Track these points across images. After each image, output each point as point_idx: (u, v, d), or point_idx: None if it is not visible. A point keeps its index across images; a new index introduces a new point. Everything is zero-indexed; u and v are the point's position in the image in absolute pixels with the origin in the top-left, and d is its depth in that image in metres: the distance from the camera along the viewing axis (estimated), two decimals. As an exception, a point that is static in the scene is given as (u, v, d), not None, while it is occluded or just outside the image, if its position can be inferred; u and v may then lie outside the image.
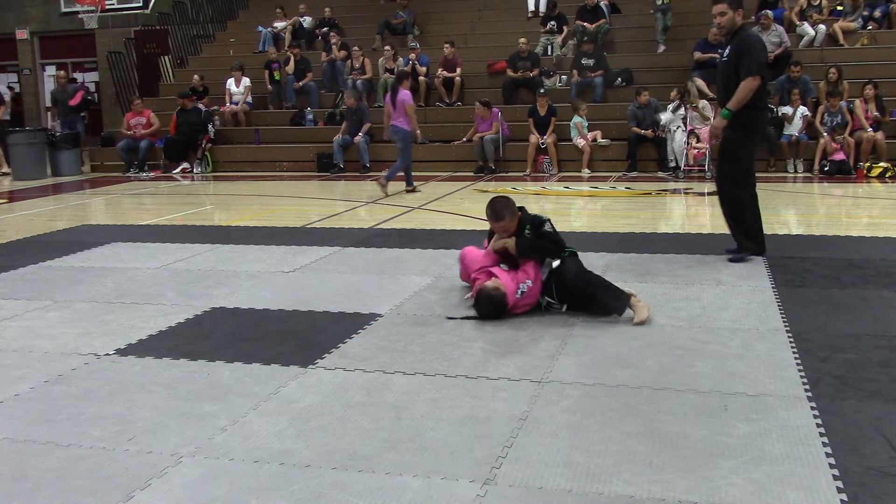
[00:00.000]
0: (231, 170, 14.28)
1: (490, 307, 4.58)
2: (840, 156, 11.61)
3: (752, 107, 5.72)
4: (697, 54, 13.59)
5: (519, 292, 4.62)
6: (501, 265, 4.81)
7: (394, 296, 5.22)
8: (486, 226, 5.08)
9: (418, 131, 10.87)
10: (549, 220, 4.82)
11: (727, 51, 5.87)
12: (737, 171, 5.92)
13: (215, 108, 15.10)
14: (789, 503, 2.60)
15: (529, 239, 4.75)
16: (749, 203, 5.98)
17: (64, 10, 18.00)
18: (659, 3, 14.69)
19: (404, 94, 10.57)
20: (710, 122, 11.92)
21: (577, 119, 12.79)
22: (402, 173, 10.59)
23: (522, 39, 14.28)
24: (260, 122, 15.25)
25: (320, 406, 3.44)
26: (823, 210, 9.40)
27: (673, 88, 12.61)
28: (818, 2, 14.53)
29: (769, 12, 13.51)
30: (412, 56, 14.72)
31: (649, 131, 12.38)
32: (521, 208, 4.87)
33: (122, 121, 15.00)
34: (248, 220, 8.82)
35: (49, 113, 15.68)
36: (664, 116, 12.33)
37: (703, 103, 12.26)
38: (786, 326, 4.41)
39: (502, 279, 4.65)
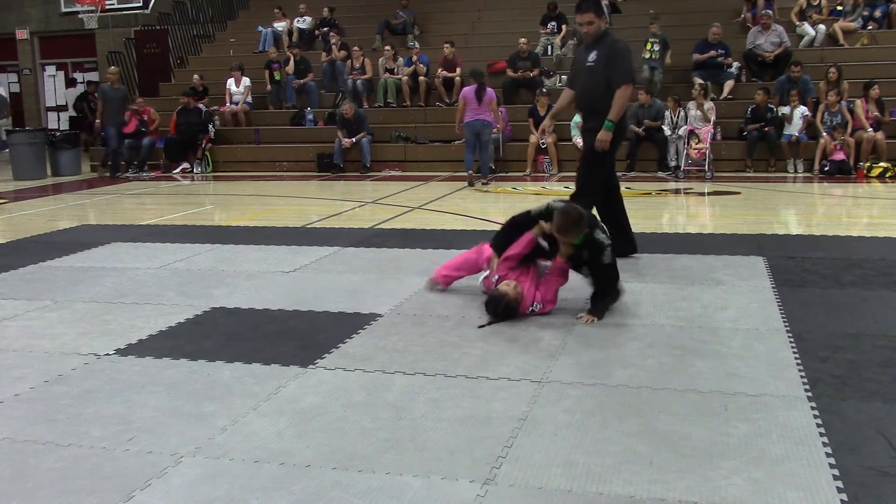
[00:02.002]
0: (231, 170, 14.28)
1: (504, 315, 4.58)
2: (840, 156, 11.62)
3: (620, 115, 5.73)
4: (696, 55, 13.61)
5: (529, 310, 4.64)
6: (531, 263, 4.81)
7: (394, 296, 5.22)
8: (487, 226, 5.07)
9: (499, 126, 11.98)
10: (610, 245, 4.63)
11: (591, 56, 5.80)
12: (599, 178, 5.92)
13: (215, 108, 15.10)
14: (789, 503, 2.60)
15: (600, 283, 4.65)
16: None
17: (64, 10, 18.00)
18: (648, 55, 13.45)
19: (492, 91, 11.50)
20: (705, 125, 11.97)
21: (577, 119, 12.78)
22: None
23: (523, 39, 14.28)
24: (260, 122, 15.25)
25: (320, 406, 3.44)
26: (823, 210, 9.40)
27: (673, 88, 12.63)
28: (817, 2, 14.53)
29: (769, 12, 13.52)
30: (413, 56, 14.73)
31: (642, 130, 12.40)
32: (588, 215, 4.68)
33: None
34: (248, 220, 8.82)
35: (96, 112, 14.49)
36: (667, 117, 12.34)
37: (708, 104, 12.27)
38: (786, 326, 4.41)
39: (524, 290, 4.63)
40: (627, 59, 5.80)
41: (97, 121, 14.32)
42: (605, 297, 4.67)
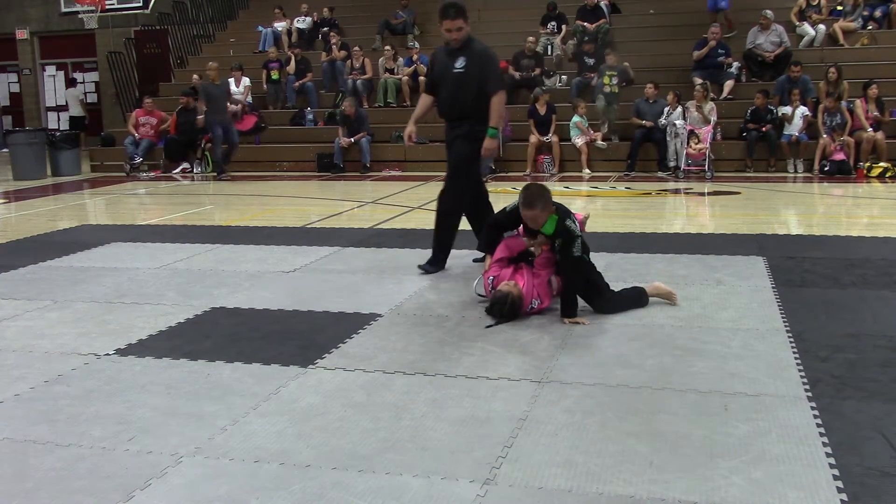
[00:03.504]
0: (231, 170, 14.26)
1: (511, 314, 4.57)
2: (840, 156, 11.62)
3: (484, 121, 5.63)
4: (696, 53, 13.61)
5: (529, 307, 4.65)
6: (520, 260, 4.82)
7: (394, 296, 5.22)
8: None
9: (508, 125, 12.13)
10: (580, 236, 4.63)
11: (459, 62, 5.64)
12: (468, 184, 5.86)
13: (215, 108, 15.08)
14: (789, 503, 2.60)
15: (569, 276, 4.64)
16: (458, 216, 5.95)
17: (64, 10, 17.99)
18: (607, 89, 12.73)
19: None
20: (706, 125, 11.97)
21: (576, 119, 12.79)
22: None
23: (531, 38, 14.28)
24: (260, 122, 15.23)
25: (320, 406, 3.44)
26: (823, 210, 9.40)
27: (673, 88, 12.63)
28: (817, 2, 14.53)
29: (768, 12, 13.51)
30: (414, 55, 14.73)
31: (649, 122, 12.41)
32: (558, 206, 4.69)
33: (130, 117, 14.92)
34: (248, 220, 8.82)
35: (196, 107, 13.73)
36: (665, 116, 12.34)
37: (709, 105, 12.27)
38: (786, 326, 4.41)
39: (523, 287, 4.64)
40: (497, 65, 5.80)
41: (199, 117, 13.68)
42: (571, 292, 4.63)
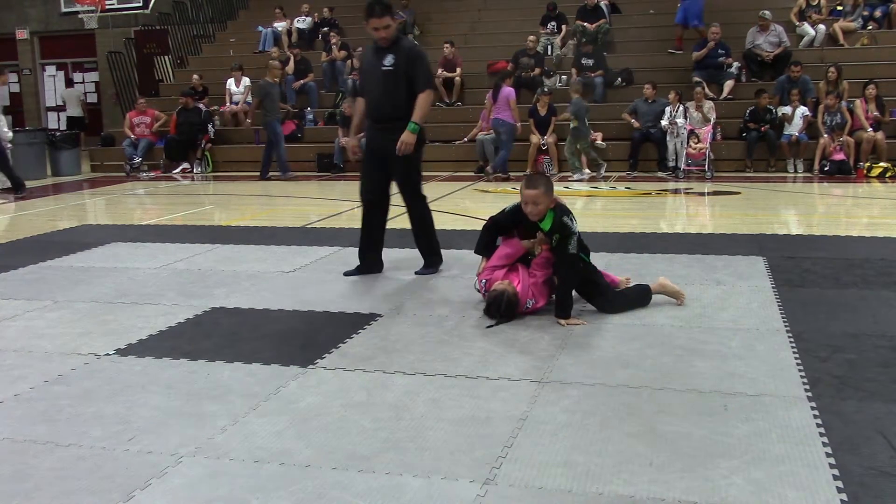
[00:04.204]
0: (231, 170, 14.28)
1: (507, 313, 4.57)
2: (840, 156, 11.62)
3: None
4: (696, 54, 13.61)
5: (525, 307, 4.65)
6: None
7: (394, 296, 5.22)
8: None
9: (518, 123, 12.18)
10: (577, 234, 4.59)
11: (388, 60, 5.49)
12: (416, 185, 5.87)
13: (215, 108, 15.10)
14: (789, 503, 2.60)
15: (563, 273, 4.62)
16: (430, 215, 5.92)
17: (64, 10, 18.00)
18: (572, 125, 11.78)
19: (507, 89, 11.95)
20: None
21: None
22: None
23: (531, 37, 14.29)
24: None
25: (320, 406, 3.44)
26: (823, 210, 9.40)
27: (673, 88, 12.62)
28: (816, 2, 14.53)
29: (766, 13, 13.51)
30: None
31: (637, 123, 12.40)
32: (557, 202, 4.65)
33: (125, 119, 14.97)
34: (248, 220, 8.82)
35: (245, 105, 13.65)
36: (667, 116, 12.33)
37: (708, 105, 12.28)
38: (786, 326, 4.41)
39: (518, 287, 4.64)
40: (427, 63, 5.65)
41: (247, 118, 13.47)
42: (565, 289, 4.61)
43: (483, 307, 4.75)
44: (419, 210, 5.89)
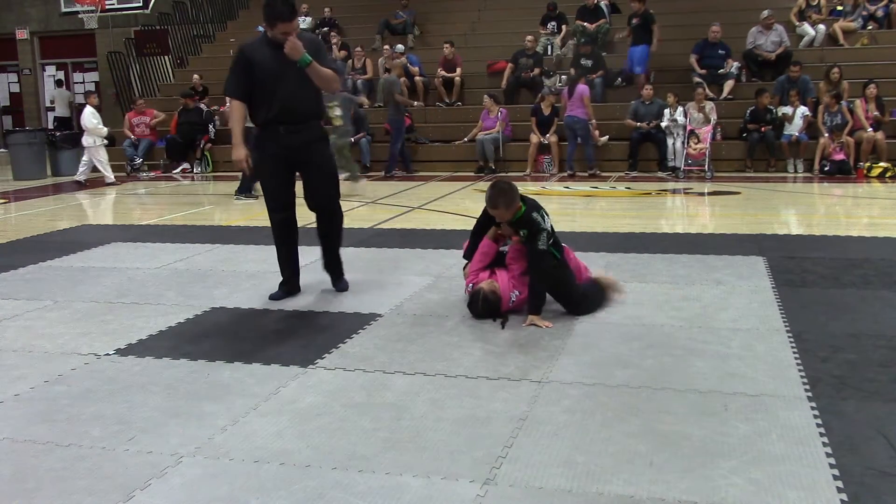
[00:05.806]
0: (231, 170, 14.26)
1: (486, 310, 4.60)
2: (840, 156, 11.61)
3: (323, 120, 5.31)
4: (696, 55, 13.60)
5: (510, 301, 4.66)
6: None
7: (394, 296, 5.22)
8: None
9: (594, 120, 12.35)
10: (547, 230, 4.54)
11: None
12: (338, 192, 5.33)
13: (215, 108, 15.09)
14: (789, 503, 2.60)
15: (533, 269, 4.59)
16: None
17: (64, 10, 18.01)
18: (338, 122, 10.65)
19: (582, 87, 12.17)
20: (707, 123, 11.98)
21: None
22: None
23: (529, 37, 14.30)
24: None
25: (320, 406, 3.44)
26: (823, 210, 9.40)
27: (673, 89, 12.62)
28: (817, 2, 14.53)
29: (767, 12, 13.50)
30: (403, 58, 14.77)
31: (644, 124, 12.41)
32: (524, 198, 4.63)
33: (124, 120, 14.97)
34: (248, 220, 8.82)
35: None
36: (667, 116, 12.33)
37: (709, 105, 12.27)
38: (786, 326, 4.41)
39: (500, 283, 4.66)
40: (326, 53, 5.15)
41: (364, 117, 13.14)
42: (535, 285, 4.59)
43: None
44: (340, 221, 5.35)
